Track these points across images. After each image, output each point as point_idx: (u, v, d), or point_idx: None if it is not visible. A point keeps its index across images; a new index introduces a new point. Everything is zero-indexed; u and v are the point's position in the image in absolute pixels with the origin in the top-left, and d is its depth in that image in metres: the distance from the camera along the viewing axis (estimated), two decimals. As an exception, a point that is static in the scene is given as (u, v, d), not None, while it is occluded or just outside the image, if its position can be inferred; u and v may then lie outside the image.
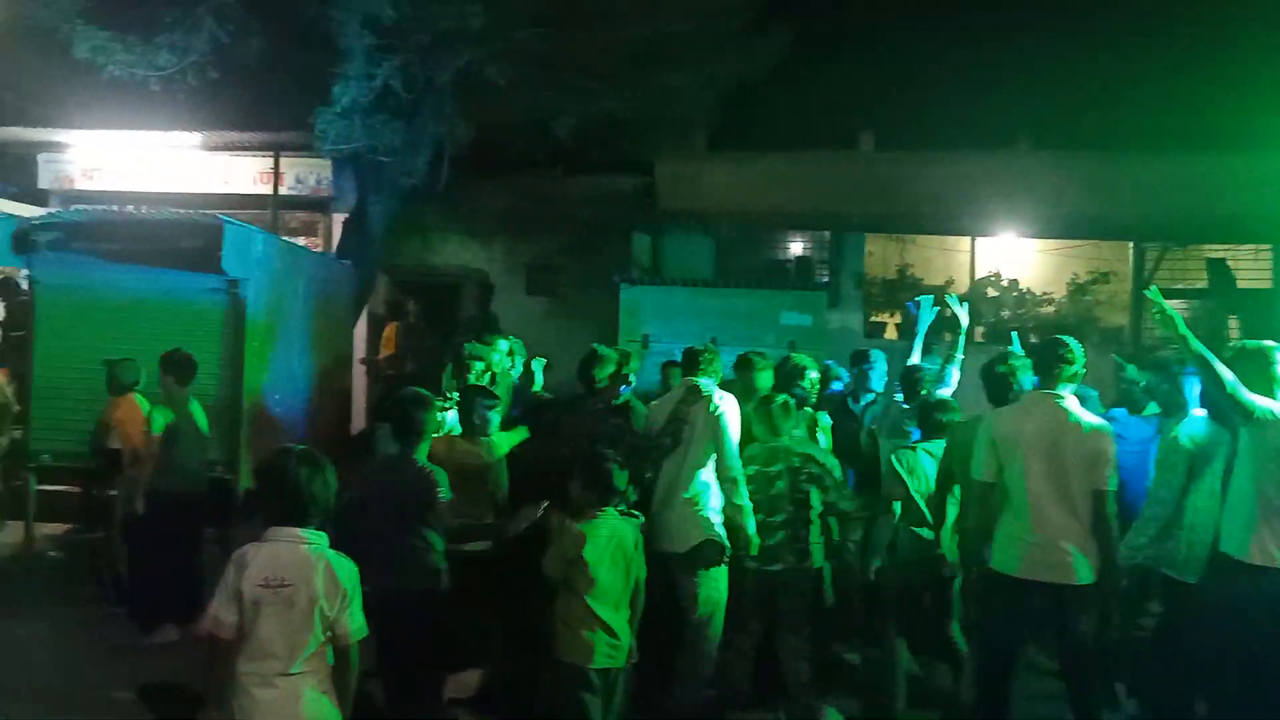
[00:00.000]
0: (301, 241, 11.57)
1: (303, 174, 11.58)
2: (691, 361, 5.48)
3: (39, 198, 11.75)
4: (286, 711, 3.22)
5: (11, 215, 10.02)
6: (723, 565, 5.16)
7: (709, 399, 5.24)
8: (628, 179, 11.74)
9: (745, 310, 10.03)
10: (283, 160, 10.78)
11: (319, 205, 11.85)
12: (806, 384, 6.07)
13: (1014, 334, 6.78)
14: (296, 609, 3.19)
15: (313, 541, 3.28)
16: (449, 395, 6.23)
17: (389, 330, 11.25)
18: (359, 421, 11.10)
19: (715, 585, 5.15)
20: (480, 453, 5.39)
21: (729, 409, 5.21)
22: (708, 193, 11.57)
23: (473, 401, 5.53)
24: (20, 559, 8.01)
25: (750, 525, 5.10)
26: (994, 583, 4.49)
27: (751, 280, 10.88)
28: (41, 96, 12.15)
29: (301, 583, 3.20)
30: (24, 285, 10.16)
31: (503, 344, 7.54)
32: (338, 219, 11.50)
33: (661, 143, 11.30)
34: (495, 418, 5.55)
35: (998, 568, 4.44)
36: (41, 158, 11.87)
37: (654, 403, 5.73)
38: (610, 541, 4.29)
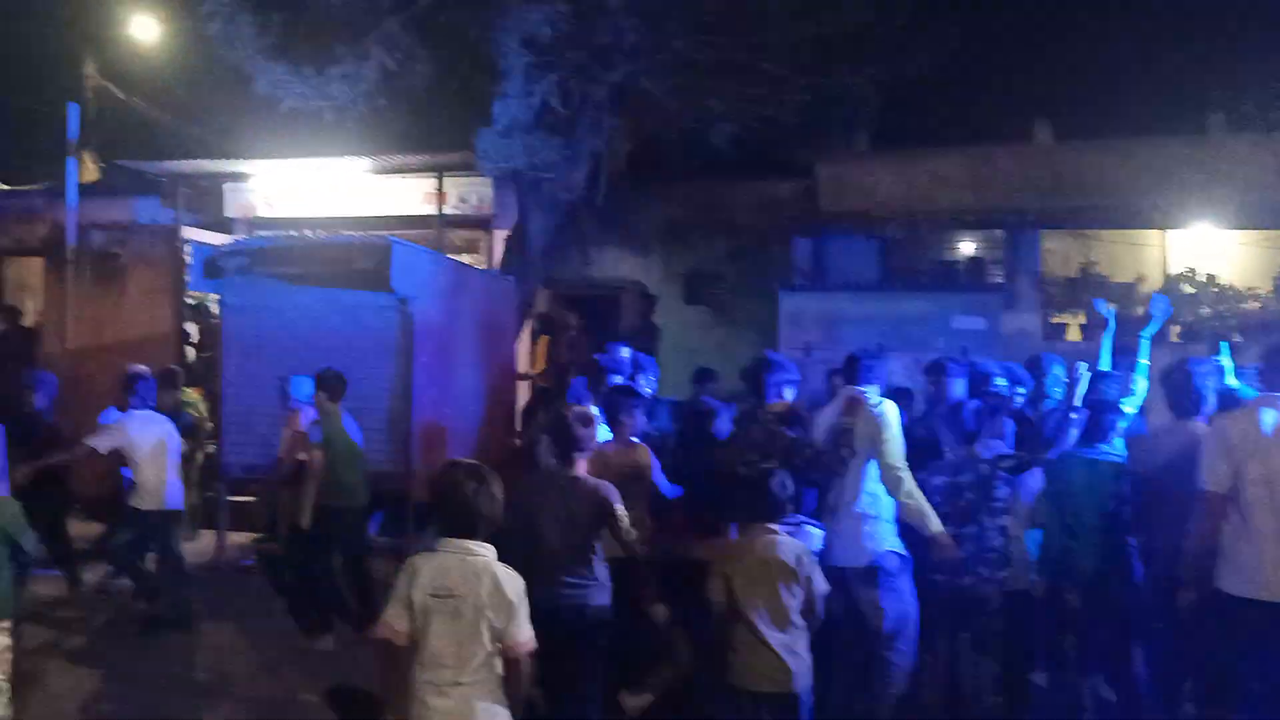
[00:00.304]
0: (465, 258, 11.84)
1: (465, 193, 11.84)
2: (852, 369, 5.26)
3: (225, 226, 12.45)
4: None
5: (202, 243, 10.72)
6: (907, 577, 4.90)
7: (868, 405, 5.01)
8: (788, 183, 11.46)
9: (914, 315, 9.60)
10: (446, 180, 11.03)
11: (481, 223, 12.09)
12: (1001, 388, 5.68)
13: (1223, 343, 6.17)
14: (464, 619, 3.26)
15: (480, 554, 3.34)
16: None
17: (540, 344, 11.36)
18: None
19: (900, 598, 4.89)
20: (638, 458, 5.31)
21: (888, 410, 5.01)
22: (871, 194, 11.15)
23: (619, 402, 5.46)
24: (213, 567, 8.44)
25: (933, 524, 4.80)
26: (1222, 605, 4.08)
27: (920, 283, 10.41)
28: (226, 131, 12.96)
29: (469, 594, 3.27)
30: (214, 308, 10.84)
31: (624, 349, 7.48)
32: (499, 235, 11.71)
33: (822, 144, 10.96)
34: (641, 419, 5.47)
35: (1228, 589, 4.05)
36: (227, 188, 12.58)
37: (823, 412, 5.50)
38: (771, 561, 4.11)
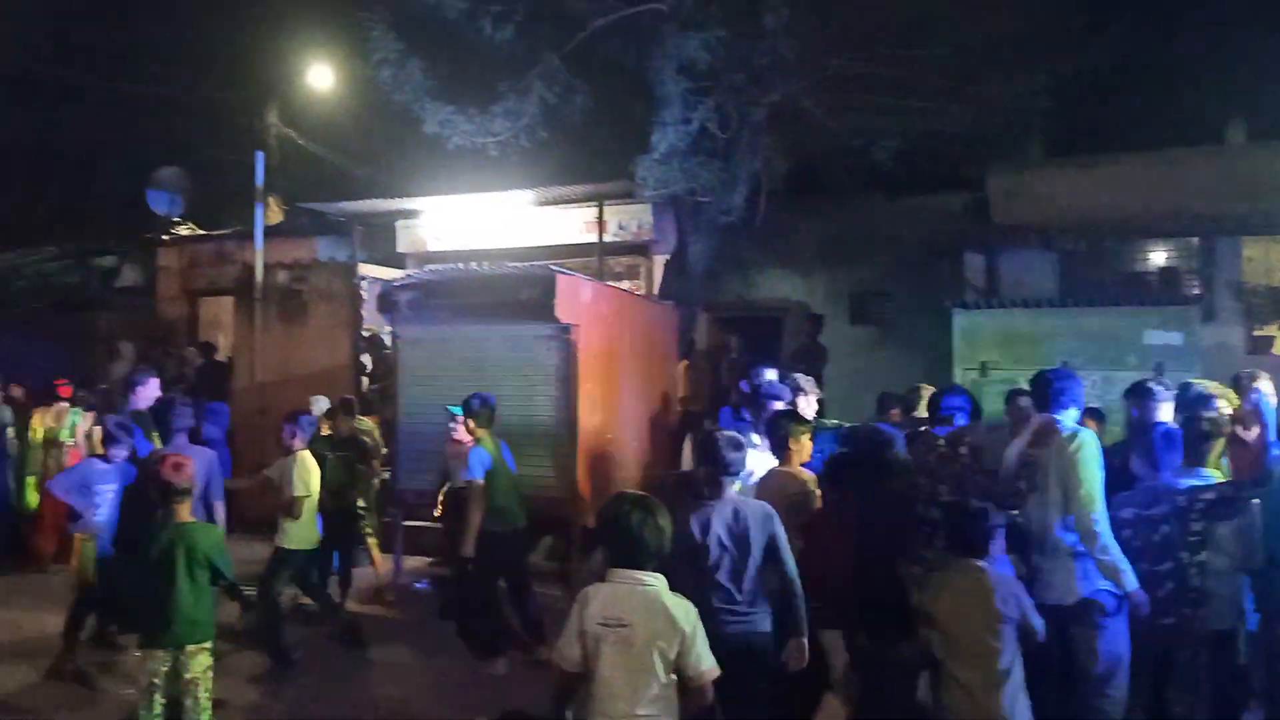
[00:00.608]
0: (625, 285, 11.91)
1: (625, 220, 11.92)
2: (1043, 391, 4.81)
3: (398, 261, 12.95)
4: None
5: (376, 278, 11.19)
6: (1122, 617, 4.52)
7: (1064, 438, 4.59)
8: (956, 196, 10.99)
9: (1099, 331, 8.99)
10: (606, 208, 11.12)
11: (640, 249, 12.14)
12: (1214, 414, 5.09)
13: None
14: (634, 649, 3.26)
15: (651, 584, 3.35)
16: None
17: (681, 368, 11.27)
18: (688, 460, 11.15)
19: (1114, 640, 4.50)
20: (805, 479, 5.13)
21: (1086, 443, 4.54)
22: (1047, 204, 10.54)
23: (784, 425, 5.29)
24: (389, 590, 8.69)
25: (1128, 581, 4.39)
26: None
27: (1105, 297, 9.72)
28: (397, 170, 13.51)
29: (639, 623, 3.28)
30: (387, 340, 11.27)
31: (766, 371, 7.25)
32: (659, 260, 11.72)
33: (991, 155, 10.46)
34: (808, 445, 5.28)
35: None
36: (399, 225, 13.09)
37: (1012, 442, 5.12)
38: (965, 594, 3.89)
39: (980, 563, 3.99)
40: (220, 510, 6.51)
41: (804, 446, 5.27)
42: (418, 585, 9.14)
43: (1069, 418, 4.71)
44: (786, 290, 11.74)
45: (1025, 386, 7.77)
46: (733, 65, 8.89)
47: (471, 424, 6.83)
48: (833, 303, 11.49)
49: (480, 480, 6.59)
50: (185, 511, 4.89)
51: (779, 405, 6.01)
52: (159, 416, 6.60)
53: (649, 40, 9.07)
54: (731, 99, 9.07)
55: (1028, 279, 10.41)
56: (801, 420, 5.49)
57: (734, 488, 4.46)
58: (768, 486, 5.11)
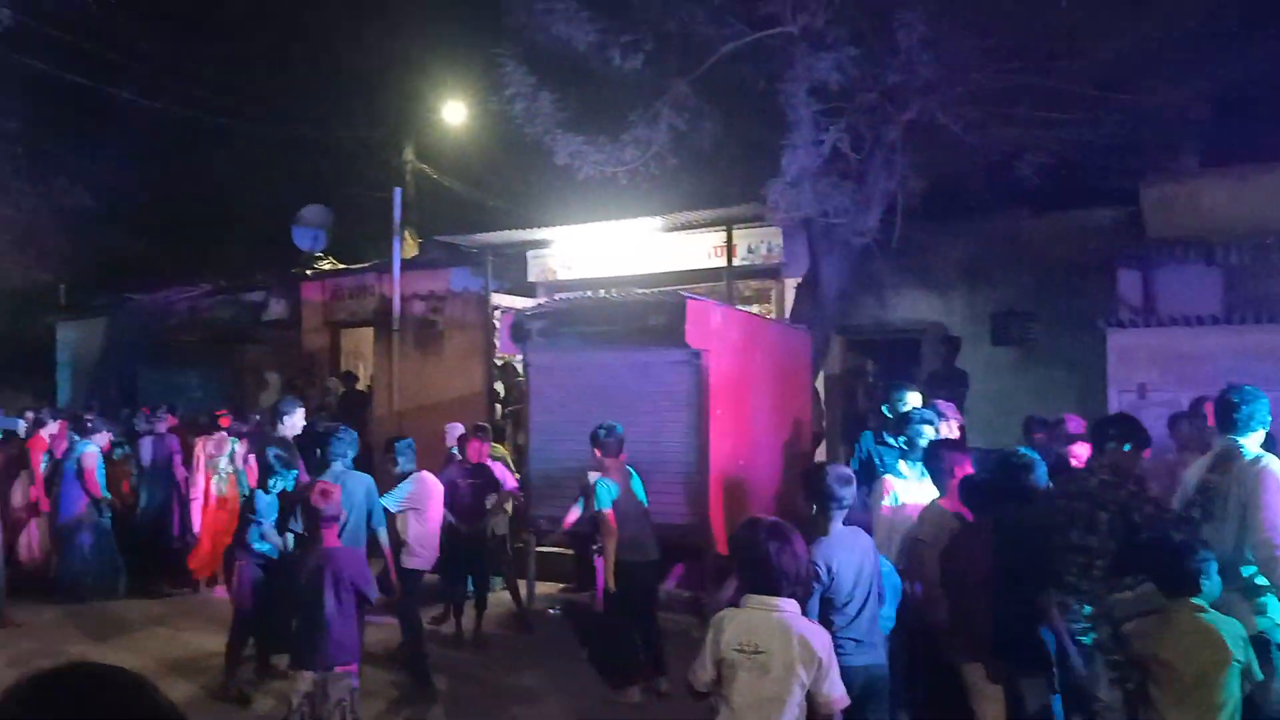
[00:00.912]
0: (754, 309, 11.77)
1: (754, 244, 11.79)
2: (1226, 414, 4.50)
3: (528, 290, 13.15)
4: None
5: (508, 308, 11.37)
6: None
7: (1246, 463, 4.26)
8: (1106, 210, 10.43)
9: (1269, 349, 8.37)
10: (735, 231, 11.03)
11: (770, 272, 11.98)
12: None
13: None
14: (770, 675, 3.29)
15: (786, 610, 3.38)
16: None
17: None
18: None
19: None
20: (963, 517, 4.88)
21: (1270, 475, 4.24)
22: (1206, 216, 9.87)
23: (946, 455, 5.06)
24: (522, 616, 8.73)
25: None
26: None
27: (1275, 313, 9.05)
28: (528, 201, 13.75)
29: (775, 650, 3.30)
30: (518, 368, 11.44)
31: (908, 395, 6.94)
32: (789, 284, 11.54)
33: (1144, 166, 9.90)
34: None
35: None
36: (530, 254, 13.30)
37: (1189, 468, 4.78)
38: (1190, 636, 3.69)
39: (1197, 600, 3.73)
40: (383, 535, 6.65)
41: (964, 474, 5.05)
42: (550, 611, 9.17)
43: (1253, 442, 4.37)
44: (924, 311, 11.33)
45: (1183, 409, 7.38)
46: (866, 84, 8.67)
47: (598, 453, 6.81)
48: (973, 323, 11.04)
49: (608, 510, 6.56)
50: (332, 536, 5.00)
51: (930, 431, 5.76)
52: (319, 444, 6.75)
53: (778, 63, 8.95)
54: (865, 118, 8.85)
55: (1187, 295, 9.75)
56: (961, 446, 5.28)
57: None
58: (926, 520, 4.90)
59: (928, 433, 5.71)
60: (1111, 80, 8.86)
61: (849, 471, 4.47)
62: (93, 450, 9.45)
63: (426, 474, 7.46)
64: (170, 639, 8.22)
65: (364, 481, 6.56)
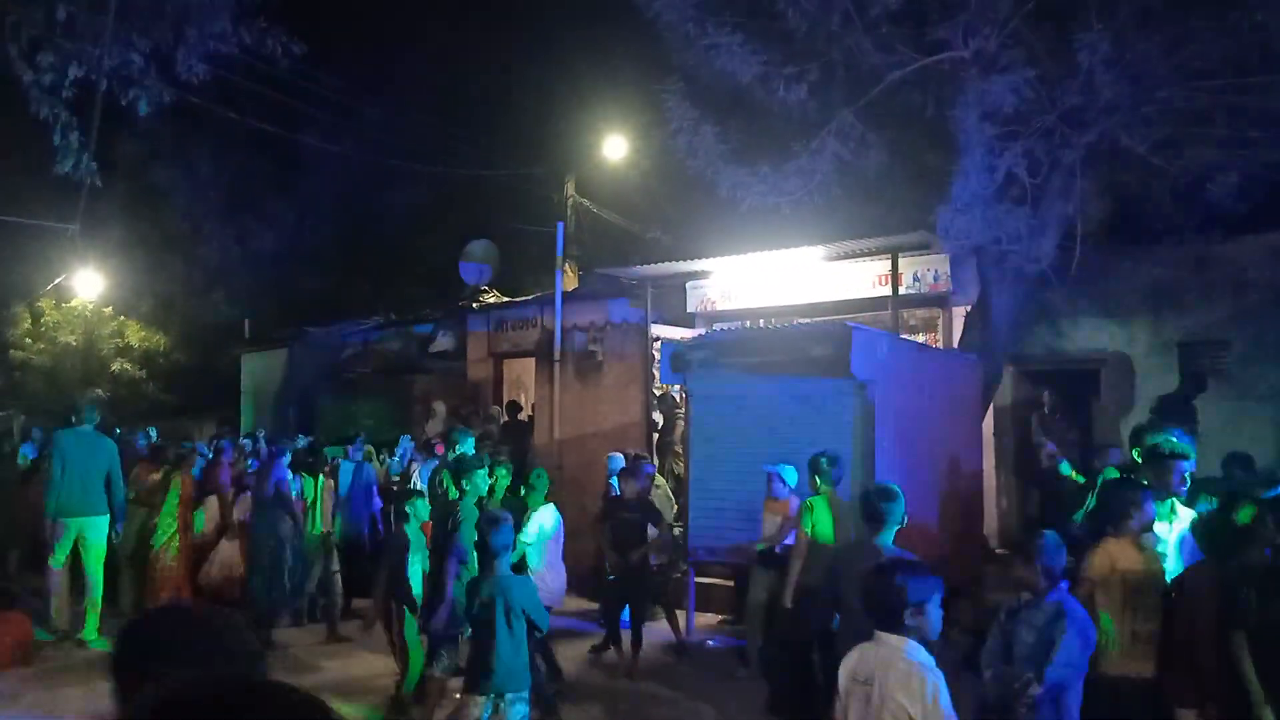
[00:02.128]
0: (920, 338, 11.49)
1: (920, 272, 11.53)
2: None
3: (687, 321, 13.23)
4: None
5: (668, 339, 11.45)
6: None
7: None
8: (1307, 231, 9.74)
9: None
10: (900, 260, 10.80)
11: (937, 301, 11.69)
12: None
13: None
14: (871, 705, 3.36)
15: (899, 644, 3.40)
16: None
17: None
18: (991, 522, 10.47)
19: None
20: (1145, 559, 4.61)
21: None
22: None
23: (1122, 497, 4.79)
24: (681, 647, 8.70)
25: None
26: None
27: None
28: (686, 232, 13.85)
29: (880, 681, 3.35)
30: (677, 398, 11.48)
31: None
32: (957, 312, 11.22)
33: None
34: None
35: None
36: (689, 285, 13.37)
37: None
38: None
39: None
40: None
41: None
42: (709, 643, 9.10)
43: None
44: (1103, 341, 10.77)
45: None
46: (1042, 106, 8.37)
47: (817, 480, 6.90)
48: (1156, 354, 10.42)
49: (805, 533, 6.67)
50: (505, 565, 5.11)
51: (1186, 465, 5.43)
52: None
53: (949, 88, 8.77)
54: (1041, 142, 8.54)
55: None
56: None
57: None
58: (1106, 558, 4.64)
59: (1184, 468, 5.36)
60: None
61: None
62: (290, 477, 9.41)
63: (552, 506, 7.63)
64: (349, 661, 8.50)
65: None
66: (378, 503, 10.39)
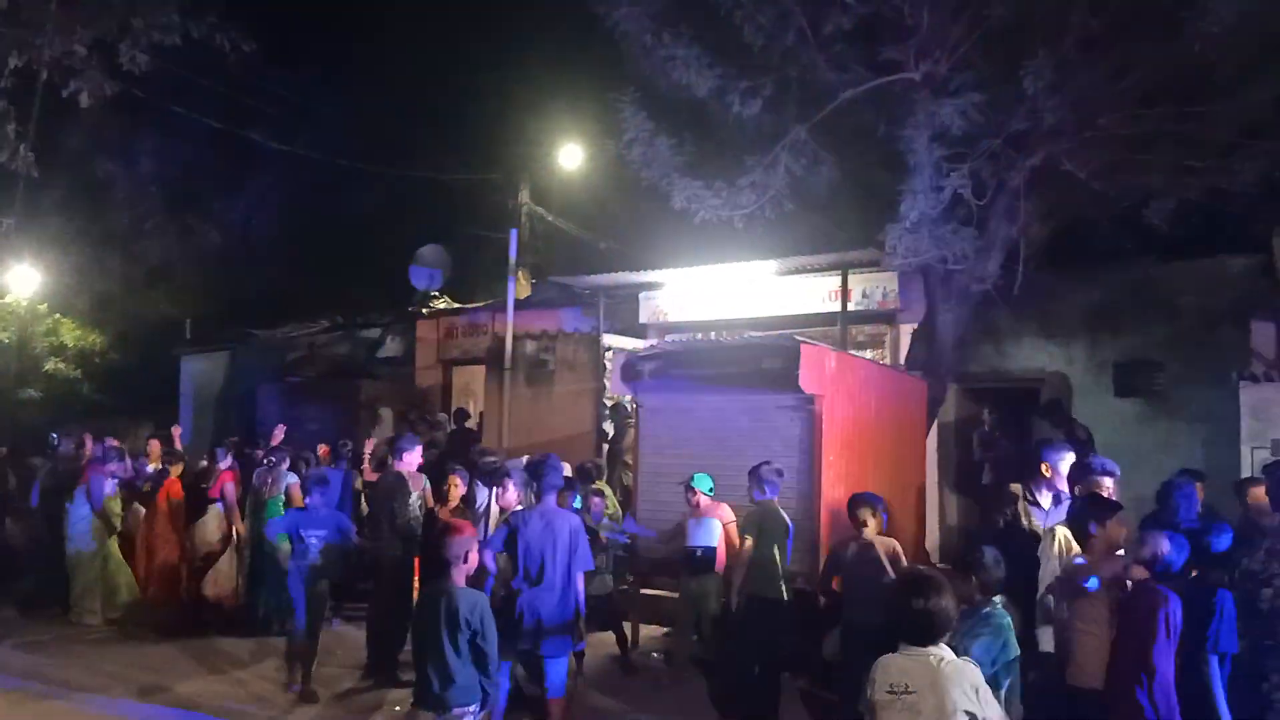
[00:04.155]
0: (868, 354, 11.63)
1: (869, 289, 11.70)
2: None
3: (640, 331, 13.24)
4: None
5: (620, 349, 11.47)
6: None
7: None
8: (1239, 259, 10.04)
9: None
10: (850, 276, 10.95)
11: (885, 317, 11.86)
12: None
13: None
14: (922, 715, 3.41)
15: (941, 654, 3.50)
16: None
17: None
18: (933, 535, 10.65)
19: None
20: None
21: None
22: (1349, 266, 9.45)
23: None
24: (624, 659, 8.66)
25: None
26: None
27: None
28: (640, 243, 13.88)
29: (927, 691, 3.42)
30: (628, 408, 11.49)
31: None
32: (904, 330, 11.39)
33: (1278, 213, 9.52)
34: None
35: None
36: (642, 296, 13.40)
37: None
38: None
39: None
40: (578, 575, 6.37)
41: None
42: (654, 655, 9.09)
43: None
44: (1043, 360, 11.02)
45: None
46: (989, 129, 8.56)
47: (765, 490, 7.03)
48: (1094, 374, 10.69)
49: (749, 539, 6.75)
50: (459, 576, 5.02)
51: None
52: (533, 474, 6.77)
53: (900, 108, 8.93)
54: (987, 164, 8.73)
55: (1324, 349, 9.34)
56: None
57: None
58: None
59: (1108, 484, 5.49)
60: (1250, 125, 8.57)
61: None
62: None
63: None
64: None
65: (571, 520, 6.44)
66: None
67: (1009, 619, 4.87)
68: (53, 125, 14.13)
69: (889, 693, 3.47)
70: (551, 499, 6.42)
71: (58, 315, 20.87)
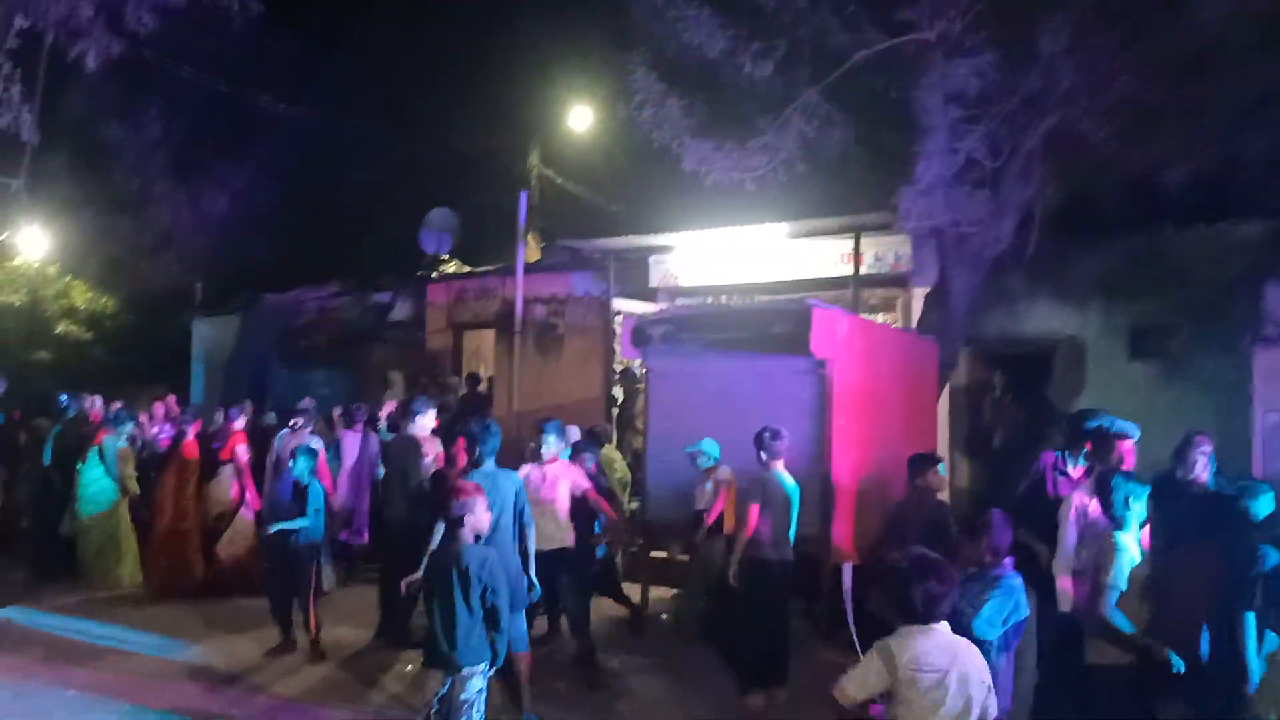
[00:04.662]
0: (880, 318, 11.59)
1: (881, 252, 11.62)
2: None
3: (650, 295, 13.20)
4: None
5: (630, 313, 11.44)
6: None
7: None
8: (1254, 225, 9.95)
9: None
10: (862, 239, 10.87)
11: (897, 281, 11.79)
12: None
13: None
14: (949, 691, 3.45)
15: (951, 634, 3.57)
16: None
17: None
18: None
19: None
20: None
21: None
22: (1364, 230, 9.36)
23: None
24: (638, 622, 8.74)
25: None
26: None
27: None
28: (651, 206, 13.80)
29: (954, 670, 3.46)
30: (637, 373, 11.49)
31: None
32: (917, 293, 11.33)
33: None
34: None
35: None
36: (652, 260, 13.34)
37: None
38: None
39: None
40: (530, 535, 6.40)
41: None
42: (663, 616, 9.16)
43: None
44: (1057, 324, 10.95)
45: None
46: (1005, 91, 8.45)
47: (764, 455, 6.86)
48: (1109, 338, 10.64)
49: (754, 505, 6.67)
50: (466, 535, 5.04)
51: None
52: (469, 440, 6.65)
53: (914, 70, 8.82)
54: (1003, 126, 8.62)
55: (1338, 315, 9.27)
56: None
57: None
58: None
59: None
60: (1268, 91, 8.44)
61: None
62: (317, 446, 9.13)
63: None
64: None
65: (514, 480, 6.44)
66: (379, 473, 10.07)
67: (1020, 580, 4.88)
68: (60, 88, 14.08)
69: (916, 671, 3.47)
70: (491, 462, 6.43)
71: (69, 278, 20.92)
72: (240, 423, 10.34)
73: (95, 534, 10.08)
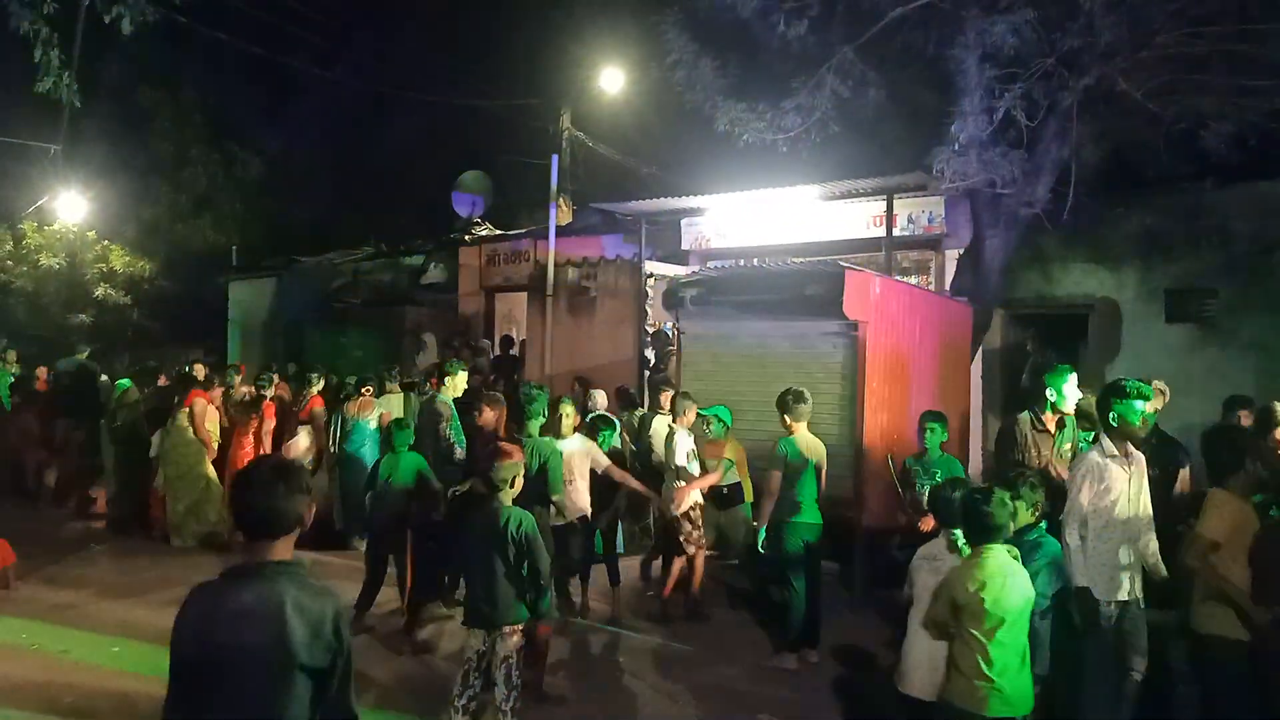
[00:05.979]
0: (913, 280, 11.52)
1: (915, 214, 11.53)
2: None
3: (681, 258, 13.19)
4: None
5: (661, 275, 11.45)
6: None
7: None
8: (1297, 182, 9.78)
9: None
10: (895, 201, 10.78)
11: (930, 243, 11.70)
12: None
13: None
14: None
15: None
16: None
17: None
18: (977, 463, 10.64)
19: None
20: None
21: None
22: None
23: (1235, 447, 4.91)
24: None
25: None
26: None
27: None
28: (683, 168, 13.75)
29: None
30: (670, 334, 11.51)
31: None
32: (950, 255, 11.25)
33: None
34: None
35: None
36: (684, 222, 13.31)
37: None
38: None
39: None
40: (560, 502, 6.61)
41: None
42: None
43: None
44: (1093, 286, 10.84)
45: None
46: (1042, 49, 8.31)
47: (787, 418, 6.75)
48: (1145, 300, 10.52)
49: (776, 471, 6.62)
50: (506, 498, 5.12)
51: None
52: (522, 403, 6.80)
53: (949, 28, 8.69)
54: (1039, 84, 8.49)
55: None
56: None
57: None
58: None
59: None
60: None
61: None
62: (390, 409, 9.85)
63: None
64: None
65: (556, 449, 6.59)
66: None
67: (1058, 546, 4.90)
68: (98, 53, 14.20)
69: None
70: (535, 426, 6.56)
71: (106, 242, 21.20)
72: (319, 385, 10.66)
73: (186, 494, 10.24)
